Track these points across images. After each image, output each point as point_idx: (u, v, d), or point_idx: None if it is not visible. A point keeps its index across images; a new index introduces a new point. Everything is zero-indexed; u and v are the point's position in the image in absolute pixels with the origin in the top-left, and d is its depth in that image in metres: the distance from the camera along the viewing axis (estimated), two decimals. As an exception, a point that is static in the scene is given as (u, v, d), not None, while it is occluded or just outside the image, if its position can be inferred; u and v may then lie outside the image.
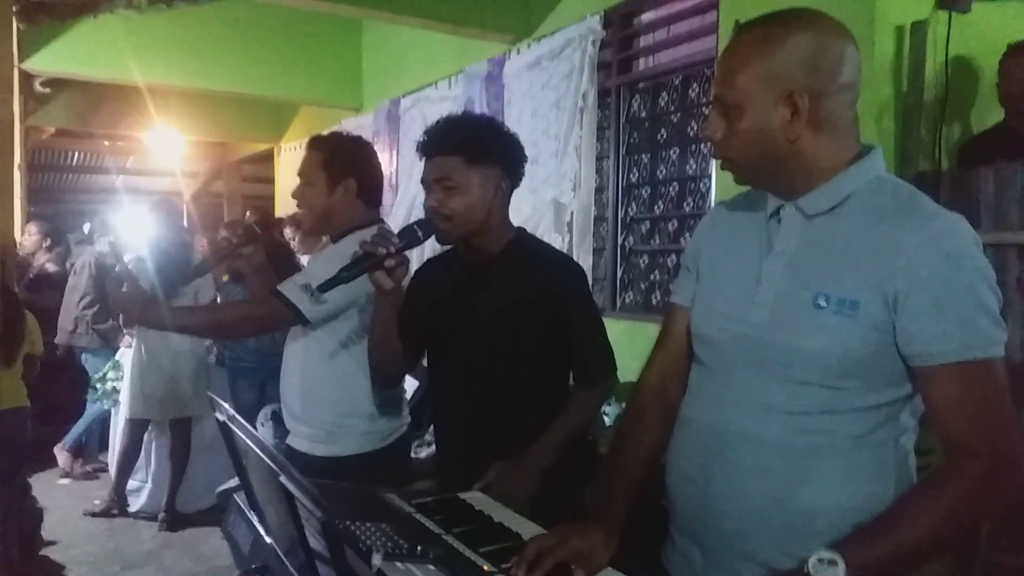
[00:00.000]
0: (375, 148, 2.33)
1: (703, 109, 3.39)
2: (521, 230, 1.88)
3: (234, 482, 2.26)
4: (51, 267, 5.47)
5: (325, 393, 2.07)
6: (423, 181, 1.76)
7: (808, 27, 1.12)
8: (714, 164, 3.14)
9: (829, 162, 1.15)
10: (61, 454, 5.04)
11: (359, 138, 2.27)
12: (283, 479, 0.82)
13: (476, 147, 1.73)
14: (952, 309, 1.05)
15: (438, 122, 1.80)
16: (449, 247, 1.86)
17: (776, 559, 1.11)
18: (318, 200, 2.11)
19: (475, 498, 1.48)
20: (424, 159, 1.77)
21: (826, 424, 1.11)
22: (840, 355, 1.09)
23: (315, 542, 0.91)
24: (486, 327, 1.77)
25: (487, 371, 1.78)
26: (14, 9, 4.47)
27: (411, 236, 1.64)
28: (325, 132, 2.32)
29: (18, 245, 5.30)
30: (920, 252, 1.06)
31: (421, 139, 1.78)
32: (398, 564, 1.08)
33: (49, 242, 5.63)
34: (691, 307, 1.30)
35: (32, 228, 5.58)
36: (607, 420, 3.04)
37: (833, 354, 1.09)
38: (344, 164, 2.11)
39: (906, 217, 1.09)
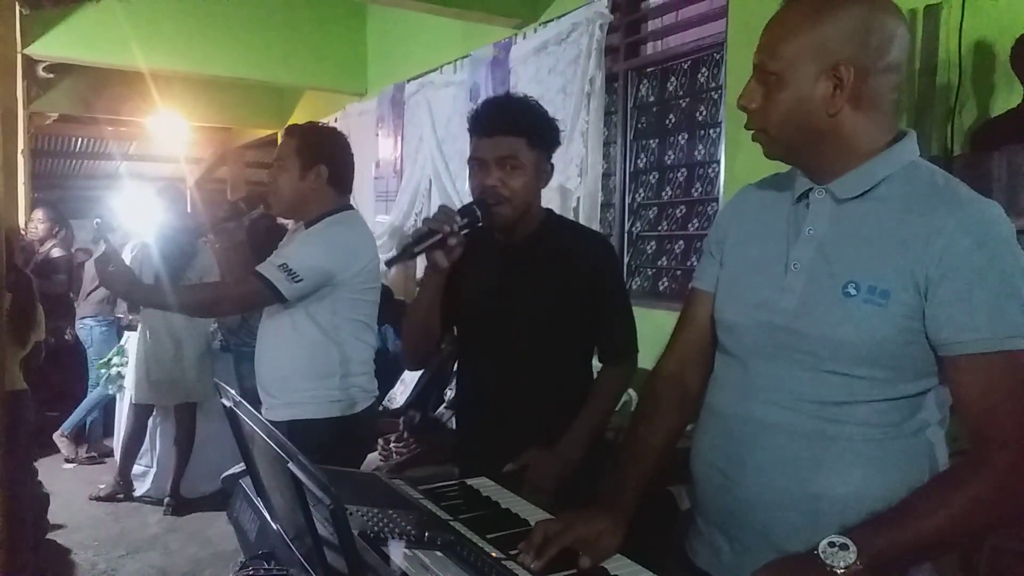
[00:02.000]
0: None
1: (712, 94, 3.36)
2: (550, 211, 1.90)
3: (239, 468, 2.26)
4: (57, 252, 5.47)
5: (293, 364, 2.19)
6: (477, 159, 1.74)
7: (863, 1, 1.09)
8: (723, 149, 3.11)
9: (866, 144, 1.12)
10: (61, 441, 5.06)
11: (334, 129, 2.40)
12: (291, 465, 0.81)
13: (538, 129, 1.75)
14: (984, 298, 1.02)
15: (494, 101, 1.81)
16: (479, 228, 1.86)
17: (804, 548, 1.08)
18: (289, 185, 2.23)
19: (482, 484, 1.47)
20: (480, 137, 1.75)
21: (856, 414, 1.09)
22: (870, 345, 1.07)
23: (322, 528, 0.90)
24: (522, 307, 1.78)
25: (522, 351, 1.79)
26: (17, -7, 4.44)
27: (472, 216, 1.65)
28: (328, 119, 2.37)
29: (25, 231, 5.31)
30: (954, 239, 1.03)
31: (476, 117, 1.77)
32: (407, 550, 1.07)
33: (56, 228, 5.63)
34: (715, 293, 1.28)
35: (39, 214, 5.57)
36: (613, 407, 3.02)
37: (863, 344, 1.07)
38: (316, 152, 2.22)
39: (940, 203, 1.07)
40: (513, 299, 1.79)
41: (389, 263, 1.69)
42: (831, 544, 0.97)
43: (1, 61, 1.52)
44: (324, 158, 2.23)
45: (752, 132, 1.17)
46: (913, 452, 1.11)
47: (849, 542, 0.97)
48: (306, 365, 2.19)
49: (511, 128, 1.72)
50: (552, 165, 1.82)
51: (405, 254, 1.61)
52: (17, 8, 4.63)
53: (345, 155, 2.31)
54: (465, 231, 1.63)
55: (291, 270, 2.10)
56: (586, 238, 1.89)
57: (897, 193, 1.10)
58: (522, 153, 1.72)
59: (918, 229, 1.06)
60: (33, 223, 5.53)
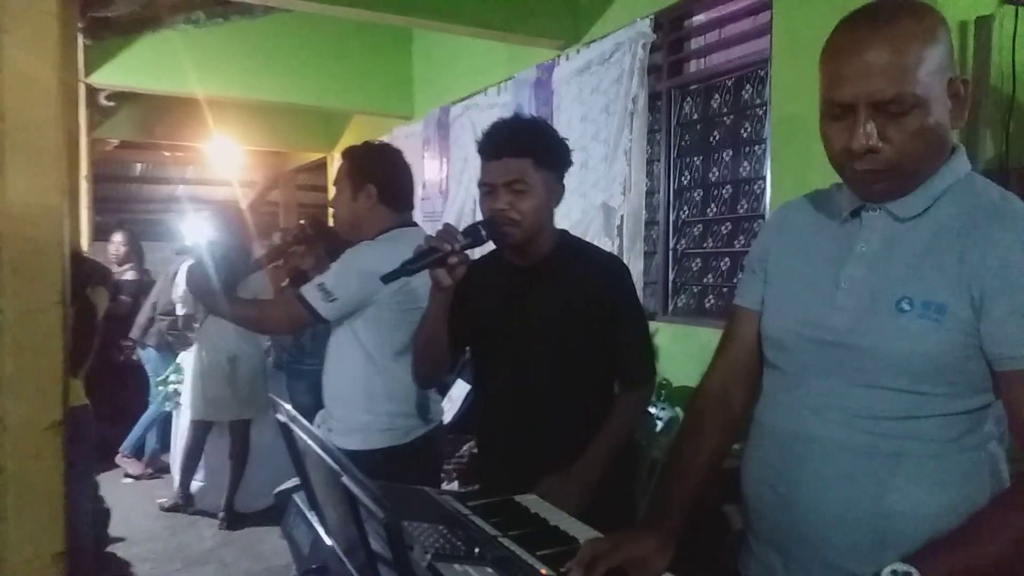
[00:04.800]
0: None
1: (757, 111, 3.34)
2: (564, 232, 1.88)
3: (292, 483, 2.29)
4: (130, 275, 5.65)
5: (346, 388, 2.17)
6: (486, 184, 1.74)
7: (941, 18, 1.09)
8: (769, 166, 3.09)
9: (943, 158, 1.11)
10: (123, 461, 5.22)
11: (385, 146, 2.36)
12: (345, 479, 0.83)
13: (544, 149, 1.74)
14: None
15: (500, 124, 1.79)
16: (492, 249, 1.85)
17: (861, 567, 1.07)
18: (345, 207, 2.25)
19: (530, 501, 1.47)
20: (487, 160, 1.74)
21: (912, 429, 1.08)
22: (926, 360, 1.05)
23: (376, 543, 0.92)
24: (537, 330, 1.77)
25: (538, 374, 1.77)
26: (80, 25, 4.64)
27: (475, 235, 1.63)
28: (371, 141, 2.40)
29: (110, 255, 5.52)
30: (1010, 253, 1.02)
31: (483, 140, 1.76)
32: (456, 566, 1.08)
33: (134, 251, 5.84)
34: (761, 311, 1.27)
35: (119, 237, 5.75)
36: (659, 424, 3.00)
37: (919, 359, 1.05)
38: (365, 171, 2.23)
39: (996, 218, 1.05)
40: (525, 322, 1.77)
41: (385, 279, 1.60)
42: (894, 572, 0.95)
43: (66, 90, 1.61)
44: (372, 177, 2.22)
45: (872, 174, 1.09)
46: (974, 468, 1.09)
47: (913, 570, 0.95)
48: (354, 389, 2.16)
49: (516, 149, 1.70)
50: (563, 185, 1.80)
51: (403, 270, 1.58)
52: (80, 39, 4.82)
53: (395, 172, 2.28)
54: (467, 250, 1.61)
55: (327, 289, 2.09)
56: (600, 261, 1.86)
57: (953, 208, 1.09)
58: (529, 174, 1.70)
59: (974, 243, 1.04)
60: (115, 245, 5.72)
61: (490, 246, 1.80)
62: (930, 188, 1.10)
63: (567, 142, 1.82)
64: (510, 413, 1.81)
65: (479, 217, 5.45)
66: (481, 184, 1.76)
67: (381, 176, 2.23)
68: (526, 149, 1.71)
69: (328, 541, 1.18)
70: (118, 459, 5.19)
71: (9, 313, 1.14)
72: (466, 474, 3.48)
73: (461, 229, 1.63)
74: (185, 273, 2.24)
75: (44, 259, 1.17)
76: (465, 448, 3.71)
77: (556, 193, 1.79)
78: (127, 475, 5.20)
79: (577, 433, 1.74)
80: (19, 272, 1.15)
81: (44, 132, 1.18)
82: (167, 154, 9.70)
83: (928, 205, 1.10)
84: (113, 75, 5.53)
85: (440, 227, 1.63)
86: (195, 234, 5.69)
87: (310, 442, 1.02)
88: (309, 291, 2.12)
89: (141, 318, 5.30)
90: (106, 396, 3.73)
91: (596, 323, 1.76)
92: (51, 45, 1.20)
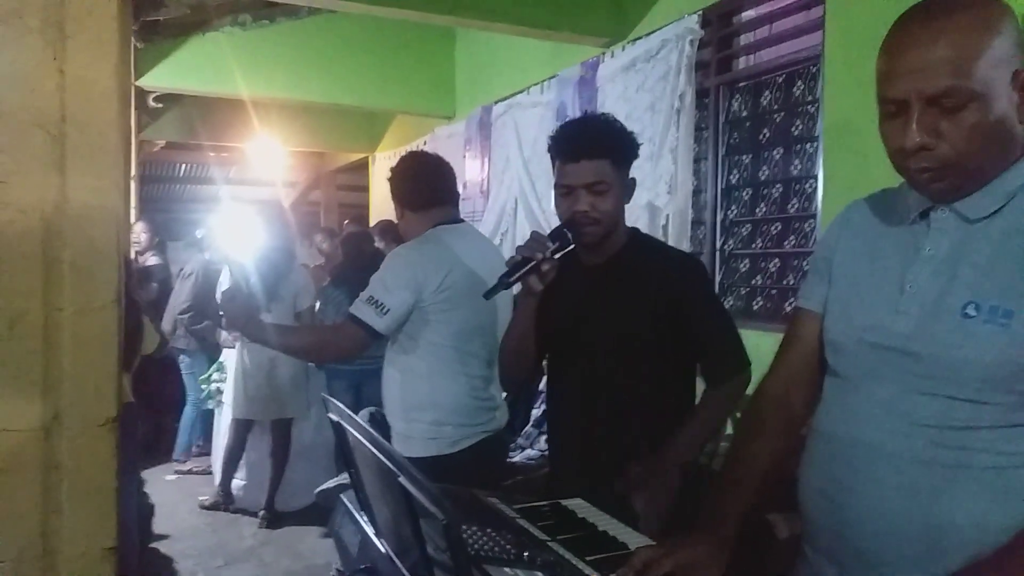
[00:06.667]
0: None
1: (809, 108, 3.26)
2: (635, 230, 1.88)
3: (334, 482, 2.29)
4: (153, 260, 5.76)
5: (396, 393, 2.16)
6: (565, 186, 1.73)
7: (1005, 8, 1.04)
8: (821, 164, 3.01)
9: (1012, 154, 1.06)
10: (184, 466, 5.34)
11: (401, 158, 2.41)
12: (402, 479, 0.81)
13: (622, 150, 1.74)
14: None
15: (575, 125, 1.80)
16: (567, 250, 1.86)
17: None
18: (400, 229, 2.36)
19: (578, 505, 1.45)
20: (564, 163, 1.73)
21: (979, 440, 1.03)
22: (992, 367, 1.01)
23: (431, 544, 0.90)
24: (610, 330, 1.76)
25: (610, 370, 1.76)
26: (133, 29, 4.74)
27: (563, 239, 1.66)
28: (417, 142, 2.43)
29: (133, 243, 5.63)
30: None
31: (559, 142, 1.76)
32: (506, 569, 1.07)
33: (156, 239, 5.97)
34: (824, 314, 1.23)
35: (141, 226, 5.89)
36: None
37: (985, 367, 1.01)
38: (393, 192, 2.30)
39: None
40: (597, 321, 1.77)
41: (487, 295, 1.68)
42: None
43: (123, 93, 1.66)
44: (395, 195, 2.27)
45: (929, 172, 1.06)
46: None
47: None
48: (401, 397, 2.15)
49: (596, 151, 1.69)
50: (634, 179, 1.81)
51: (500, 285, 1.63)
52: (132, 42, 4.92)
53: (407, 177, 2.27)
54: (557, 255, 1.64)
55: (377, 302, 2.05)
56: (673, 259, 1.85)
57: (1022, 209, 1.05)
58: (608, 175, 1.70)
59: None
60: (135, 234, 5.84)
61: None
62: (1001, 186, 1.06)
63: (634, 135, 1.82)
64: (582, 410, 1.81)
65: (520, 217, 5.39)
66: (559, 186, 1.75)
67: (399, 189, 2.28)
68: (605, 150, 1.71)
69: (378, 542, 1.17)
70: (177, 468, 5.32)
71: (68, 312, 1.15)
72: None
73: (547, 233, 1.67)
74: (223, 301, 2.24)
75: (102, 259, 1.19)
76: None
77: (629, 189, 1.79)
78: (177, 471, 5.29)
79: (649, 431, 1.74)
80: (79, 271, 1.17)
81: (104, 134, 1.20)
82: (211, 154, 9.87)
83: (1000, 205, 1.05)
84: (162, 78, 5.65)
85: (523, 231, 1.68)
86: (212, 231, 5.77)
87: (365, 442, 1.01)
88: (360, 308, 2.07)
89: (166, 324, 5.32)
90: (145, 391, 3.79)
91: (668, 320, 1.74)
92: (111, 49, 1.22)
